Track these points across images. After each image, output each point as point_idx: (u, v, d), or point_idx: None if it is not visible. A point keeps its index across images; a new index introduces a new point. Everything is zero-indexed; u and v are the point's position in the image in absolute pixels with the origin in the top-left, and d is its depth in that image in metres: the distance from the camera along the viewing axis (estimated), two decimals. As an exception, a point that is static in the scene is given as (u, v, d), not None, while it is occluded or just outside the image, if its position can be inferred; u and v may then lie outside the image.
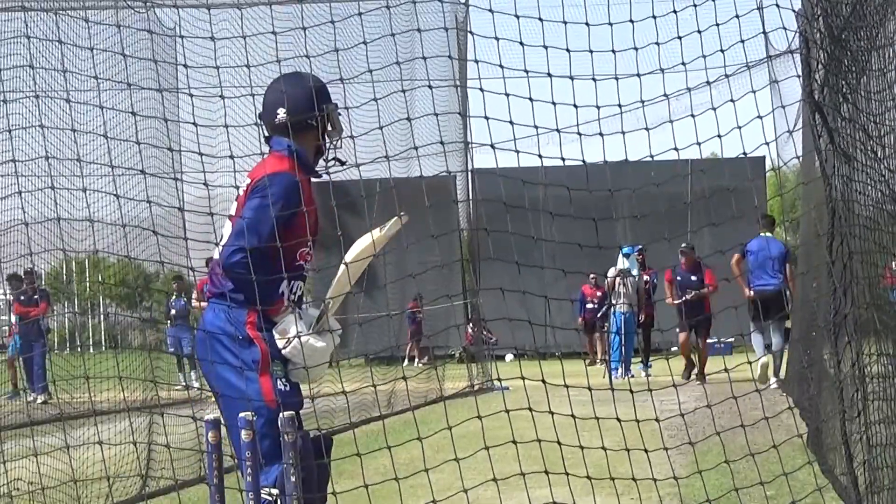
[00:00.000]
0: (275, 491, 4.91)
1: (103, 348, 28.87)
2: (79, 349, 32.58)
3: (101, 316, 35.04)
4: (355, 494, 5.34)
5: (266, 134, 5.29)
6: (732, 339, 22.55)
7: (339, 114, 5.30)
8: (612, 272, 19.54)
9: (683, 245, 18.55)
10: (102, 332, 34.20)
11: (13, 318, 20.46)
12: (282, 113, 5.17)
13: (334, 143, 5.26)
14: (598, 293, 23.54)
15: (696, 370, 18.20)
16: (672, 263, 18.55)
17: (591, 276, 22.56)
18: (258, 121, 5.34)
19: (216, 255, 5.13)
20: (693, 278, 18.10)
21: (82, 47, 6.59)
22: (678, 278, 18.36)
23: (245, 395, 4.92)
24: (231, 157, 5.41)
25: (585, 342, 24.24)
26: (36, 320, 18.59)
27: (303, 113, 5.17)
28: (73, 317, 34.48)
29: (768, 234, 16.63)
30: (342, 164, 5.27)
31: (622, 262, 19.54)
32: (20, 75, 7.09)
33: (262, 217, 4.98)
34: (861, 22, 5.20)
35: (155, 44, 8.64)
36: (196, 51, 6.43)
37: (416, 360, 26.07)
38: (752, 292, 15.81)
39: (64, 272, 31.00)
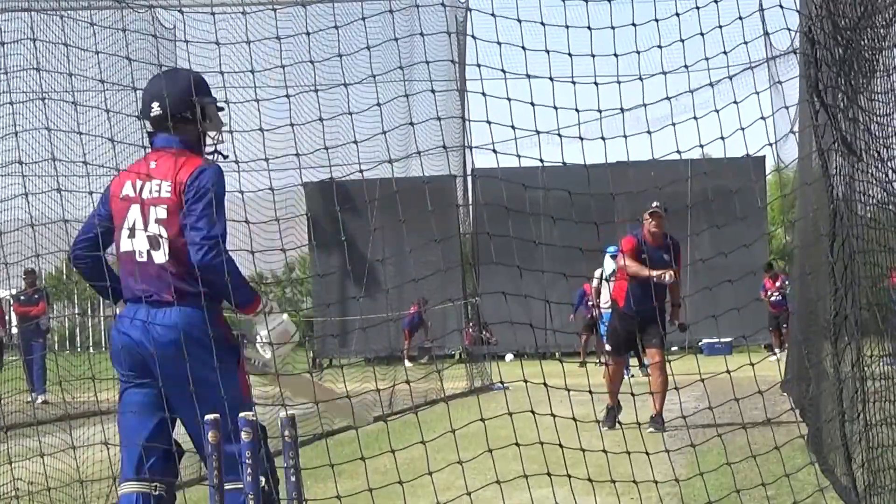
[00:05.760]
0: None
1: (103, 348, 28.85)
2: (78, 349, 32.56)
3: (101, 316, 35.01)
4: (356, 494, 5.34)
5: (149, 130, 5.19)
6: (732, 339, 22.47)
7: (220, 108, 5.24)
8: (598, 273, 18.87)
9: (655, 204, 11.55)
10: (103, 332, 34.18)
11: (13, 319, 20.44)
12: (156, 107, 5.09)
13: (214, 137, 5.20)
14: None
15: (653, 411, 9.62)
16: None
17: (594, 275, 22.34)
18: (139, 116, 5.26)
19: (160, 259, 4.96)
20: (665, 257, 11.25)
21: (80, 48, 6.58)
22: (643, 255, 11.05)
23: (225, 393, 4.87)
24: (236, 161, 5.38)
25: (581, 342, 23.72)
26: (36, 320, 18.57)
27: (177, 106, 5.08)
28: (72, 317, 34.47)
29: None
30: (224, 157, 5.20)
31: (608, 263, 18.48)
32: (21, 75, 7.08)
33: (218, 212, 4.90)
34: (868, 22, 5.19)
35: (153, 46, 8.63)
36: (189, 49, 6.41)
37: (414, 360, 25.92)
38: None
39: (65, 272, 30.96)
